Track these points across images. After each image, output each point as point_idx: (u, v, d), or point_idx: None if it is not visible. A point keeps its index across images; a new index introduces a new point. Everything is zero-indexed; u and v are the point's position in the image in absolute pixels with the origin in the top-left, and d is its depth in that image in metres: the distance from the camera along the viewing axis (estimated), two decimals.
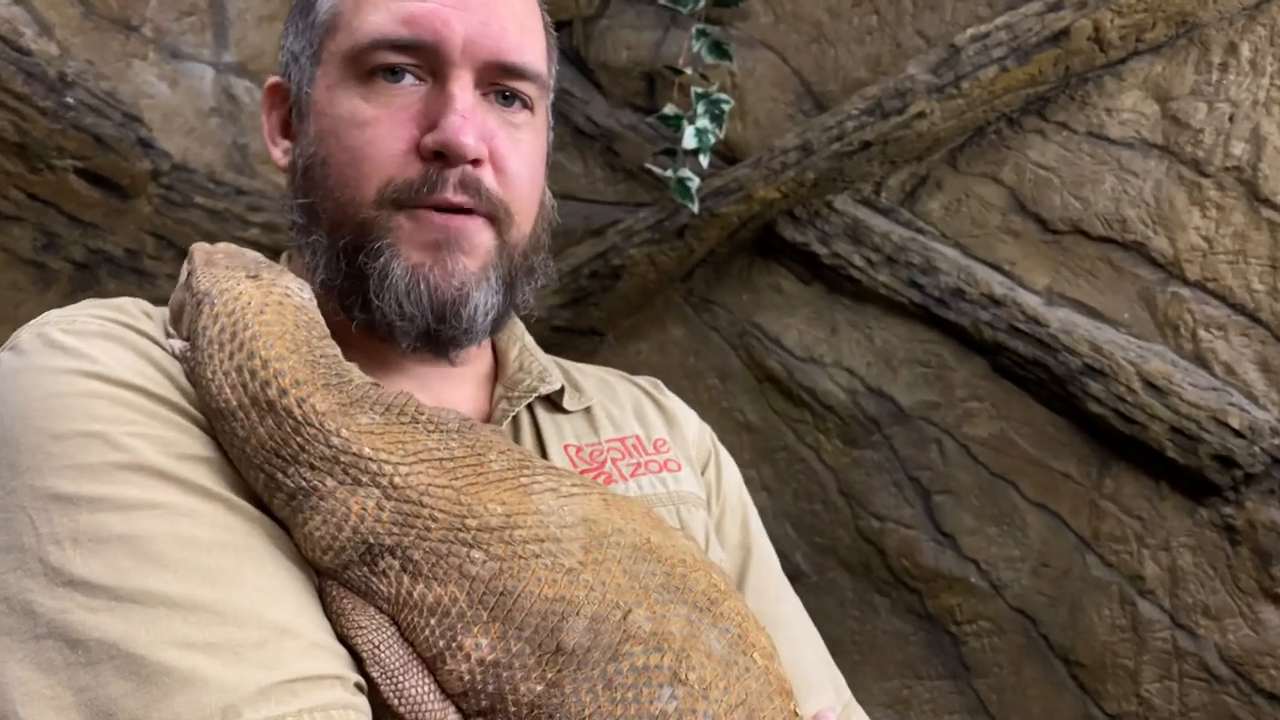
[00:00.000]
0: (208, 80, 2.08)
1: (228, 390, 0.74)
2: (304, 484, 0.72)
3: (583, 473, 0.98)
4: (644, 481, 1.00)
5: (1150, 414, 2.08)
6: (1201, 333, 2.12)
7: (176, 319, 0.82)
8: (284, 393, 0.73)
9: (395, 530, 0.72)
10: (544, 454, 0.99)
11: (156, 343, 0.81)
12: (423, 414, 0.77)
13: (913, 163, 2.36)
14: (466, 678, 0.70)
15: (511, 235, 0.94)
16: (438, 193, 0.89)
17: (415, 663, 0.72)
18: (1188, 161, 2.15)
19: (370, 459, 0.73)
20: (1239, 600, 2.11)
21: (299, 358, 0.75)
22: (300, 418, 0.72)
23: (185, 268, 0.87)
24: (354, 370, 0.79)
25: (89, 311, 0.84)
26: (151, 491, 0.70)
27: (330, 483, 0.72)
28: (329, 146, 0.91)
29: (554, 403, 1.03)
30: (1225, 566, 2.11)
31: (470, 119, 0.89)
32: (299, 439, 0.72)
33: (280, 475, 0.72)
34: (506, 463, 0.77)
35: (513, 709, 0.70)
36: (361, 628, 0.72)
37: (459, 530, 0.72)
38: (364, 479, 0.72)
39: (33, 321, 0.83)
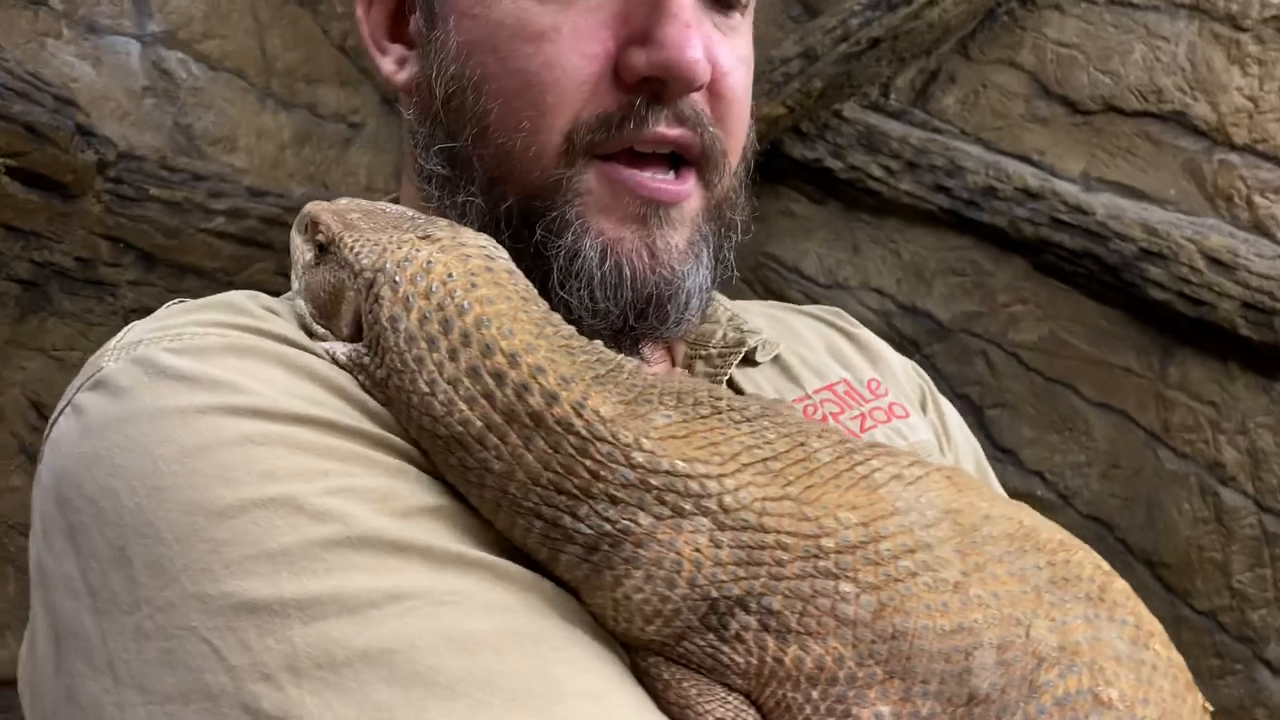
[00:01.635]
0: (134, 55, 1.79)
1: (462, 406, 0.51)
2: (607, 528, 0.49)
3: None
4: (877, 436, 0.79)
5: (1219, 292, 1.95)
6: (1258, 199, 1.99)
7: (327, 309, 0.58)
8: (553, 398, 0.50)
9: (741, 573, 0.50)
10: None
11: (305, 349, 0.57)
12: (720, 399, 0.55)
13: (921, 58, 2.16)
14: None
15: (720, 185, 0.71)
16: (648, 128, 0.65)
17: None
18: (1221, 18, 2.00)
19: (688, 475, 0.51)
20: None
21: (549, 344, 0.52)
22: (585, 431, 0.50)
23: (304, 239, 0.62)
24: (598, 345, 0.56)
25: (194, 318, 0.60)
26: (388, 574, 0.48)
27: (645, 519, 0.49)
28: (486, 66, 0.66)
29: (744, 355, 0.81)
30: None
31: (695, 28, 0.64)
32: (589, 462, 0.50)
33: (569, 520, 0.50)
34: (832, 448, 0.56)
35: None
36: (720, 719, 0.50)
37: (816, 557, 0.51)
38: (687, 506, 0.50)
39: (115, 342, 0.59)
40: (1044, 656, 0.53)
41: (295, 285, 0.64)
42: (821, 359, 0.85)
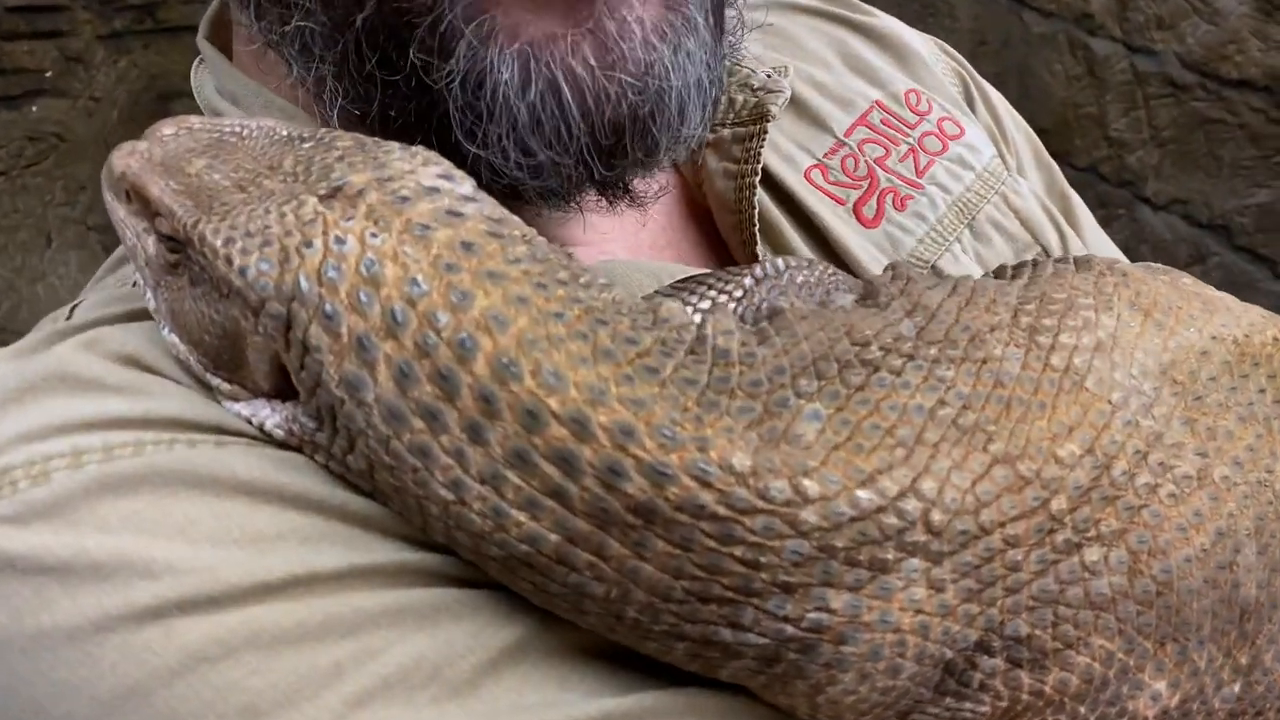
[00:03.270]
0: None
1: (519, 517, 0.33)
2: (789, 631, 0.33)
3: (858, 206, 0.59)
4: (940, 176, 0.61)
5: None
6: None
7: (220, 356, 0.38)
8: (662, 474, 0.31)
9: (974, 609, 0.36)
10: (790, 206, 0.58)
11: (223, 428, 0.38)
12: (866, 341, 0.38)
13: None
14: None
15: None
16: None
17: None
18: None
19: (879, 508, 0.34)
20: None
21: (615, 367, 0.33)
22: (723, 507, 0.32)
23: (131, 212, 0.39)
24: (657, 304, 0.37)
25: (18, 429, 0.38)
26: None
27: (839, 601, 0.33)
28: None
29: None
30: None
31: None
32: (740, 550, 0.32)
33: (728, 633, 0.33)
34: (1011, 342, 0.41)
35: None
36: None
37: (1052, 532, 0.38)
38: (889, 555, 0.34)
39: None
40: None
41: (146, 296, 0.40)
42: (842, 78, 0.63)
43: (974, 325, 0.39)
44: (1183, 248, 2.04)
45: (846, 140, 0.60)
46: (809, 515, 0.33)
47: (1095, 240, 0.69)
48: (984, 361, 0.38)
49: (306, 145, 0.39)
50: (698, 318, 0.38)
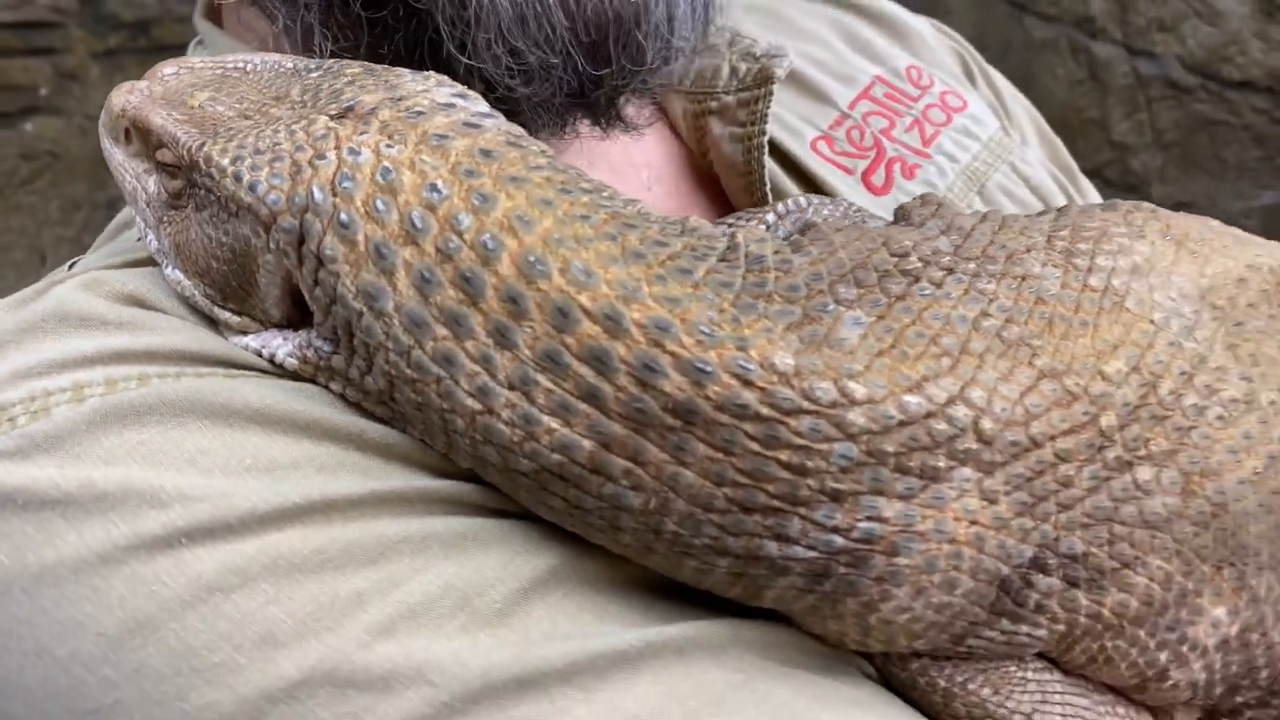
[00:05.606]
0: None
1: (551, 423, 0.31)
2: (839, 541, 0.31)
3: (866, 176, 0.59)
4: (946, 146, 0.61)
5: None
6: None
7: (229, 284, 0.36)
8: (701, 371, 0.30)
9: (1029, 523, 0.34)
10: (798, 174, 0.57)
11: (233, 362, 0.37)
12: (905, 251, 0.36)
13: None
14: (1202, 678, 0.39)
15: None
16: None
17: (1104, 704, 0.38)
18: None
19: (930, 413, 0.32)
20: (1192, 1, 1.93)
21: (647, 265, 0.31)
22: (766, 406, 0.30)
23: (129, 154, 0.38)
24: (697, 224, 0.36)
25: (21, 364, 0.36)
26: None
27: (891, 509, 0.31)
28: None
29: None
30: None
31: None
32: (785, 453, 0.30)
33: (774, 546, 0.31)
34: (1051, 264, 0.39)
35: (1264, 674, 0.40)
36: (1029, 714, 0.37)
37: (1103, 448, 0.36)
38: (940, 462, 0.32)
39: None
40: None
41: (148, 238, 0.39)
42: (842, 56, 0.63)
43: (1010, 245, 0.38)
44: None
45: (850, 113, 0.59)
46: (857, 417, 0.31)
47: None
48: (1023, 278, 0.37)
49: (314, 74, 0.37)
50: (728, 229, 0.36)
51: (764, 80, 0.54)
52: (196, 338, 0.36)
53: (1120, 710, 0.39)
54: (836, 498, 0.31)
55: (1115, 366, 0.36)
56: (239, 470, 0.33)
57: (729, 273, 0.33)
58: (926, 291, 0.35)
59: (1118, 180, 2.09)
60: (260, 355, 0.35)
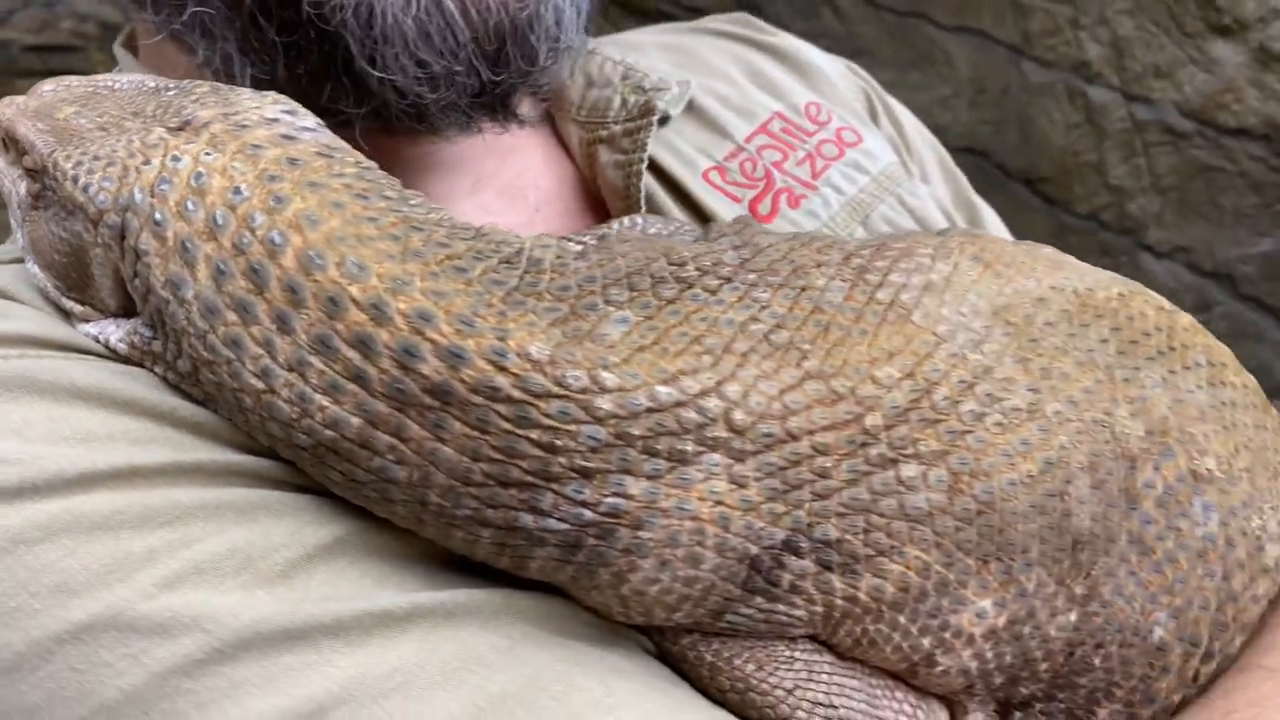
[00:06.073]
0: None
1: (322, 401, 0.34)
2: (588, 515, 0.34)
3: (753, 205, 0.63)
4: (835, 179, 0.65)
5: None
6: None
7: (70, 276, 0.40)
8: (458, 356, 0.33)
9: (780, 508, 0.37)
10: (687, 202, 0.62)
11: (69, 345, 0.40)
12: (684, 262, 0.39)
13: None
14: (974, 665, 0.41)
15: None
16: None
17: (881, 688, 0.40)
18: None
19: (679, 402, 0.35)
20: (1187, 48, 1.95)
21: (423, 264, 0.35)
22: (518, 390, 0.33)
23: (7, 161, 0.42)
24: (493, 230, 0.39)
25: None
26: (292, 684, 0.34)
27: (637, 487, 0.35)
28: None
29: None
30: (1168, 18, 1.93)
31: None
32: (536, 433, 0.34)
33: (530, 519, 0.34)
34: (839, 278, 0.42)
35: (1044, 667, 0.42)
36: (791, 689, 0.38)
37: (865, 445, 0.39)
38: (688, 447, 0.35)
39: None
40: (1135, 455, 0.43)
41: (17, 236, 0.43)
42: (745, 92, 0.68)
43: (800, 260, 0.41)
44: (1187, 296, 2.03)
45: (746, 146, 0.64)
46: (604, 403, 0.34)
47: None
48: (804, 289, 0.40)
49: (170, 93, 0.42)
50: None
51: (647, 112, 0.59)
52: (45, 325, 0.41)
53: (900, 695, 0.42)
54: (586, 475, 0.35)
55: (887, 372, 0.39)
56: (58, 440, 0.36)
57: (506, 273, 0.36)
58: (699, 297, 0.38)
59: (1114, 224, 2.10)
60: (98, 341, 0.39)
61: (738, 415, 0.36)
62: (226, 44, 0.48)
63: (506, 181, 0.58)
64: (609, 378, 0.35)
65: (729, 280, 0.39)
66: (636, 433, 0.35)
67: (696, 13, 2.00)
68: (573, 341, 0.35)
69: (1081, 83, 2.01)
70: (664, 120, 0.61)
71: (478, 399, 0.33)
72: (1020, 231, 2.06)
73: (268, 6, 0.46)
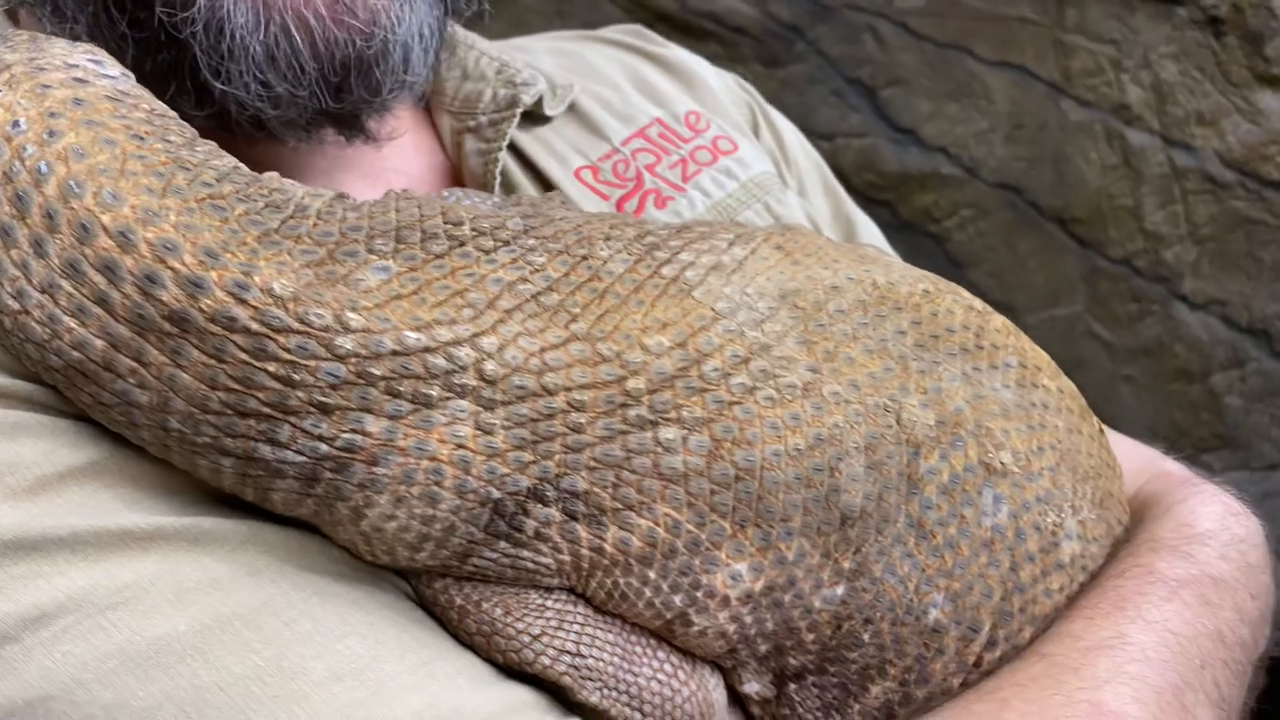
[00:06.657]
0: None
1: (70, 322, 0.35)
2: (324, 449, 0.35)
3: (621, 203, 0.66)
4: (704, 183, 0.68)
5: None
6: None
7: None
8: (197, 285, 0.35)
9: (527, 457, 0.37)
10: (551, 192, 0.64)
11: None
12: (461, 223, 0.40)
13: None
14: (732, 629, 0.41)
15: None
16: None
17: (640, 645, 0.40)
18: None
19: (427, 348, 0.36)
20: (1232, 97, 1.91)
21: (181, 201, 0.36)
22: (256, 323, 0.35)
23: None
24: (271, 179, 0.40)
25: None
26: (21, 589, 0.34)
27: (375, 425, 0.35)
28: None
29: (527, 112, 0.66)
30: (1213, 64, 1.89)
31: None
32: (274, 366, 0.35)
33: (268, 449, 0.35)
34: (626, 253, 0.42)
35: (810, 638, 0.43)
36: (538, 635, 0.39)
37: (624, 406, 0.39)
38: (433, 392, 0.36)
39: None
40: (920, 441, 0.44)
41: None
42: (628, 98, 0.71)
43: (588, 232, 0.42)
44: (1220, 350, 1.98)
45: (621, 148, 0.67)
46: (346, 342, 0.35)
47: None
48: (585, 258, 0.41)
49: None
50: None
51: (512, 105, 0.61)
52: None
53: (662, 655, 0.42)
54: (324, 410, 0.36)
55: (657, 340, 0.40)
56: None
57: (269, 216, 0.38)
58: (470, 255, 0.39)
59: (1148, 271, 2.06)
60: None
61: (489, 365, 0.37)
62: (77, 25, 0.50)
63: (369, 166, 0.60)
64: (354, 319, 0.36)
65: (506, 244, 0.40)
66: (378, 373, 0.35)
67: (739, 33, 2.02)
68: (324, 283, 0.36)
69: (1120, 125, 1.98)
70: (545, 120, 0.64)
71: (215, 328, 0.35)
72: (1051, 272, 2.04)
73: (124, 3, 0.49)
